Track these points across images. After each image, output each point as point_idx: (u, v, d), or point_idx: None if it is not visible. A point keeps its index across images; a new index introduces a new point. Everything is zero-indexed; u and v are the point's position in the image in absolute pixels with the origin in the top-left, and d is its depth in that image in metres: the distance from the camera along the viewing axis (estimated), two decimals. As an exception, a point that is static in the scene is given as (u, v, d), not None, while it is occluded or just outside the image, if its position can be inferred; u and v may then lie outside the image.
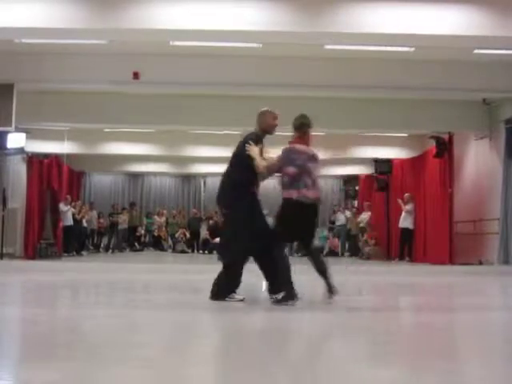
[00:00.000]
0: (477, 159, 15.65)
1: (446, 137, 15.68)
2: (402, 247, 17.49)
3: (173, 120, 15.03)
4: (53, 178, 18.22)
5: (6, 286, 9.41)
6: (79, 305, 7.17)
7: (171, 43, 11.23)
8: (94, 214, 21.58)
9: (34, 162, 17.67)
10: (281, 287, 6.21)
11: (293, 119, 6.68)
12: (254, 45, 11.40)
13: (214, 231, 22.59)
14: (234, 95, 14.09)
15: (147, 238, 23.86)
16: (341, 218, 21.57)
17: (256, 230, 6.49)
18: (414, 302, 7.82)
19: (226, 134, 18.09)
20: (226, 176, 6.95)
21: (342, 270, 14.19)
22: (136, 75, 12.41)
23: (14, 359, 3.75)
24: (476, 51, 11.65)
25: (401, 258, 17.28)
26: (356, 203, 22.95)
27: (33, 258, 16.24)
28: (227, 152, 21.21)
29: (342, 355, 3.89)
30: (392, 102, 14.40)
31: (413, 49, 11.55)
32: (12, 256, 16.15)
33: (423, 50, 11.68)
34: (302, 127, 6.58)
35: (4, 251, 15.27)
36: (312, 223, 6.54)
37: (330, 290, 6.22)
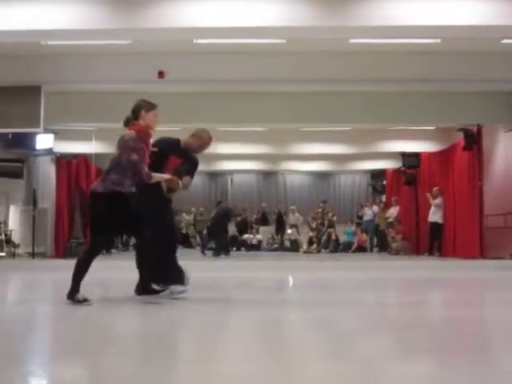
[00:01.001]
0: (506, 152, 15.43)
1: (474, 129, 15.48)
2: (432, 242, 17.34)
3: (198, 118, 15.02)
4: (81, 178, 18.38)
5: (38, 284, 9.54)
6: (107, 302, 7.21)
7: (195, 41, 11.26)
8: (123, 212, 21.70)
9: (63, 162, 17.85)
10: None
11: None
12: (278, 41, 11.36)
13: (241, 228, 22.66)
14: (258, 92, 14.05)
15: (176, 236, 23.88)
16: (368, 213, 21.46)
17: None
18: (447, 297, 7.74)
19: (251, 130, 18.14)
20: None
21: (371, 266, 14.21)
22: (161, 74, 12.47)
23: (45, 356, 3.79)
24: (504, 41, 11.47)
25: (430, 252, 17.14)
26: (383, 198, 22.80)
27: (63, 257, 16.42)
28: (253, 149, 21.48)
29: (378, 350, 3.87)
30: (419, 95, 14.24)
31: (439, 40, 11.43)
32: (43, 255, 16.36)
33: (449, 42, 11.55)
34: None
35: (35, 251, 15.48)
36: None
37: None
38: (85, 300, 5.96)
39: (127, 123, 6.36)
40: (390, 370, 3.31)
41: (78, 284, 6.05)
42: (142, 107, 6.34)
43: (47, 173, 17.79)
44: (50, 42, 11.37)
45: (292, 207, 22.83)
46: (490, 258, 14.42)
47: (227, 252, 17.56)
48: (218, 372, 3.22)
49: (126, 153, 6.03)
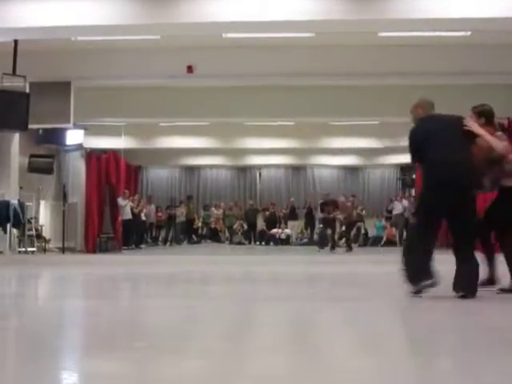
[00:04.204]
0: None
1: (505, 122, 15.26)
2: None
3: (227, 112, 15.09)
4: (111, 173, 18.51)
5: (68, 279, 9.63)
6: (139, 296, 7.28)
7: (224, 36, 11.27)
8: (152, 207, 21.87)
9: (93, 157, 18.00)
10: None
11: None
12: (307, 34, 11.32)
13: (270, 222, 22.66)
14: (287, 86, 14.03)
15: (204, 231, 24.04)
16: (398, 207, 21.28)
17: None
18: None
19: (280, 125, 18.12)
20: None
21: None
22: (190, 69, 12.50)
23: (77, 350, 3.82)
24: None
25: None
26: (413, 192, 22.59)
27: (93, 251, 16.58)
28: (281, 143, 21.46)
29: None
30: (449, 88, 14.07)
31: (469, 33, 11.30)
32: (73, 250, 16.55)
33: (480, 34, 11.40)
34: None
35: (65, 245, 15.63)
36: None
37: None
38: None
39: None
40: (420, 366, 3.28)
41: None
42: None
43: (77, 168, 17.98)
44: (79, 38, 11.48)
45: (321, 201, 22.73)
46: None
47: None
48: (246, 366, 3.23)
49: None
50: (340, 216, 17.65)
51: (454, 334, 4.32)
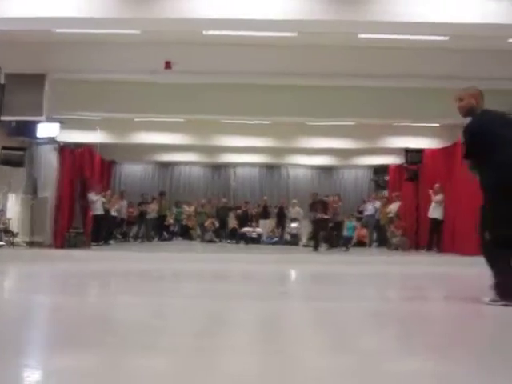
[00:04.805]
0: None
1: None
2: (431, 238, 17.40)
3: (203, 109, 15.04)
4: (85, 168, 18.34)
5: (35, 275, 9.45)
6: (108, 293, 7.22)
7: (204, 33, 11.24)
8: (124, 203, 21.71)
9: (66, 151, 17.79)
10: None
11: None
12: (288, 34, 11.34)
13: (242, 221, 22.66)
14: (264, 85, 14.04)
15: (176, 228, 23.97)
16: (370, 208, 21.43)
17: None
18: (447, 292, 7.74)
19: (256, 123, 18.13)
20: None
21: (370, 261, 14.24)
22: (168, 65, 12.45)
23: (44, 347, 3.79)
24: (510, 40, 11.49)
25: (429, 248, 17.21)
26: (386, 193, 22.80)
27: (62, 246, 16.39)
28: (257, 142, 21.46)
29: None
30: (425, 92, 14.25)
31: (447, 38, 11.44)
32: (41, 245, 16.33)
33: (457, 39, 11.56)
34: None
35: (34, 240, 15.42)
36: None
37: None
38: None
39: None
40: (389, 365, 3.32)
41: None
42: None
43: (49, 162, 17.74)
44: (57, 30, 11.34)
45: (294, 201, 22.82)
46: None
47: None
48: (217, 363, 3.23)
49: None
50: (327, 216, 17.69)
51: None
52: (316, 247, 17.00)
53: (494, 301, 5.58)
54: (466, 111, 5.89)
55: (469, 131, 5.77)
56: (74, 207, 18.16)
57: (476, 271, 8.99)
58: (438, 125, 17.67)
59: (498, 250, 5.57)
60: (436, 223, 17.16)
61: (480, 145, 5.66)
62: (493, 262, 5.63)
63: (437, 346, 3.94)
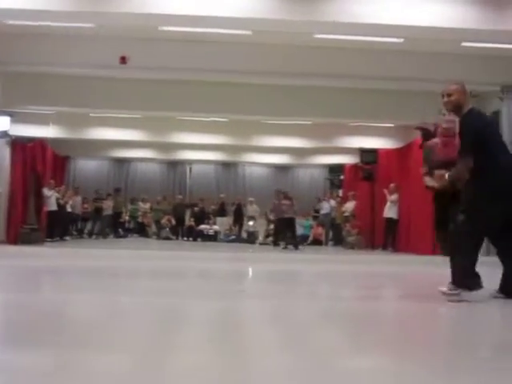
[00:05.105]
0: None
1: (431, 128, 15.67)
2: (386, 237, 17.61)
3: (160, 106, 14.96)
4: (37, 163, 18.04)
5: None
6: (63, 290, 7.13)
7: (160, 28, 11.16)
8: (79, 199, 21.43)
9: (18, 145, 17.45)
10: None
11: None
12: (244, 32, 11.33)
13: (198, 218, 22.61)
14: (222, 82, 14.03)
15: (131, 224, 23.79)
16: (325, 207, 21.58)
17: None
18: (400, 291, 7.84)
19: (212, 120, 18.09)
20: None
21: (326, 259, 14.34)
22: (123, 60, 12.31)
23: (-1, 345, 3.73)
24: (464, 44, 11.69)
25: (384, 247, 17.41)
26: (341, 192, 22.99)
27: (15, 243, 16.12)
28: (213, 139, 21.42)
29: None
30: (379, 92, 14.42)
31: (402, 40, 11.57)
32: (-7, 240, 16.04)
33: (412, 42, 11.70)
34: None
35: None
36: None
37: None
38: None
39: None
40: (340, 363, 3.34)
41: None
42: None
43: (1, 156, 17.40)
44: (10, 22, 11.11)
45: (250, 199, 22.85)
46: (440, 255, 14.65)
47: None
48: (171, 362, 3.22)
49: None
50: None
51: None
52: (277, 242, 17.10)
53: (451, 290, 5.70)
54: (454, 107, 5.93)
55: (473, 130, 5.76)
56: (28, 203, 17.86)
57: (430, 270, 9.13)
58: (392, 125, 17.88)
59: (469, 235, 5.67)
60: (391, 223, 17.36)
61: (478, 143, 5.68)
62: (458, 247, 5.73)
63: (390, 344, 3.98)
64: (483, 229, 5.79)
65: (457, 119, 6.04)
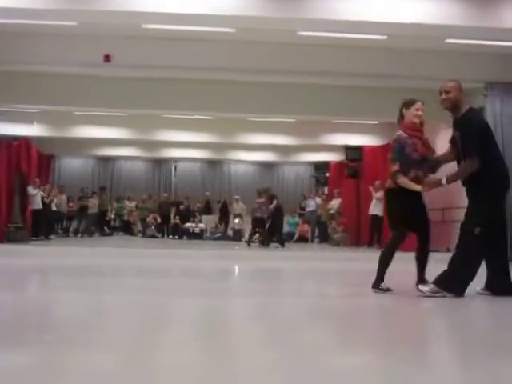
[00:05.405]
0: (445, 147, 15.72)
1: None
2: (372, 234, 17.66)
3: (144, 104, 14.91)
4: (21, 161, 17.95)
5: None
6: (48, 289, 7.12)
7: (143, 26, 11.11)
8: (64, 197, 21.36)
9: (2, 144, 17.35)
10: None
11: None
12: (227, 29, 11.31)
13: (184, 216, 22.57)
14: (206, 80, 14.00)
15: (117, 223, 23.74)
16: (311, 204, 21.64)
17: None
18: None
19: (197, 118, 18.07)
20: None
21: (311, 257, 14.38)
22: (107, 58, 12.24)
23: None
24: (447, 41, 11.72)
25: (370, 244, 17.45)
26: (326, 190, 23.05)
27: (0, 241, 16.04)
28: (198, 137, 21.41)
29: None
30: (363, 90, 14.44)
31: (385, 37, 11.59)
32: (-22, 240, 15.94)
33: (396, 39, 11.72)
34: None
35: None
36: None
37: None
38: (388, 289, 6.03)
39: (399, 123, 6.24)
40: (325, 360, 3.35)
41: (383, 274, 6.10)
42: (403, 106, 6.18)
43: (-15, 155, 17.31)
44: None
45: (236, 197, 22.82)
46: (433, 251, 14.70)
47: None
48: (157, 360, 3.22)
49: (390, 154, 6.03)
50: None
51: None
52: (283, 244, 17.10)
53: (433, 291, 5.72)
54: (451, 104, 5.96)
55: (478, 129, 5.82)
56: (13, 201, 17.77)
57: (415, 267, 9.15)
58: (376, 122, 17.92)
59: (482, 246, 5.75)
60: (377, 220, 17.40)
61: (484, 143, 5.74)
62: (467, 255, 5.79)
63: (375, 341, 4.00)
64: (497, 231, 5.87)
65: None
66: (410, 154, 6.01)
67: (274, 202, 17.29)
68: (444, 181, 5.87)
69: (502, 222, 5.99)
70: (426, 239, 6.26)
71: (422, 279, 6.12)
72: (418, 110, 6.13)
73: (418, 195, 6.09)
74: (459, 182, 5.98)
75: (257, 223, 17.47)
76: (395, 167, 5.96)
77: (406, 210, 6.07)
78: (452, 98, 5.92)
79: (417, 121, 6.13)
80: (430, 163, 6.22)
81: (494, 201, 5.83)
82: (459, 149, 5.88)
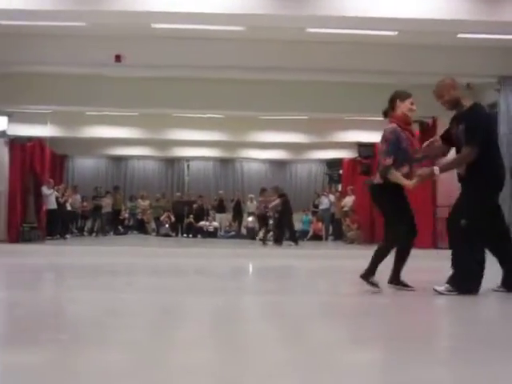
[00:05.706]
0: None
1: (429, 121, 15.67)
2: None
3: (155, 103, 14.96)
4: (35, 162, 18.07)
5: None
6: (63, 288, 7.16)
7: (153, 26, 11.14)
8: (78, 197, 21.49)
9: (17, 145, 17.48)
10: None
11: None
12: (238, 28, 11.31)
13: (198, 215, 22.60)
14: (217, 78, 14.02)
15: (131, 222, 23.83)
16: (324, 202, 21.58)
17: None
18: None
19: (209, 117, 18.09)
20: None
21: (326, 255, 14.36)
22: (118, 58, 12.29)
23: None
24: (460, 35, 11.65)
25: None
26: (340, 187, 22.98)
27: (16, 241, 16.17)
28: (210, 136, 21.44)
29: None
30: (376, 86, 14.31)
31: (396, 33, 11.54)
32: (-5, 239, 16.08)
33: (407, 35, 11.66)
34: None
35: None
36: None
37: None
38: (376, 285, 5.96)
39: (386, 115, 6.19)
40: (338, 358, 3.34)
41: (376, 268, 6.06)
42: (397, 97, 6.13)
43: (0, 156, 17.42)
44: (3, 22, 11.10)
45: (250, 195, 22.79)
46: (441, 248, 14.64)
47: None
48: (171, 358, 3.23)
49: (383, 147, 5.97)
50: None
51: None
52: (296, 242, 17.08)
53: (449, 291, 5.69)
54: (452, 104, 5.94)
55: (485, 124, 5.80)
56: (27, 201, 17.90)
57: (430, 264, 9.12)
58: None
59: (472, 239, 5.69)
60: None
61: (488, 142, 5.71)
62: (462, 251, 5.73)
63: (387, 338, 3.99)
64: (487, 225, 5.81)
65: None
66: (406, 149, 5.95)
67: (277, 200, 17.19)
68: (437, 171, 5.84)
69: (502, 221, 5.97)
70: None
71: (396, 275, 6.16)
72: (412, 104, 6.08)
73: (403, 191, 6.07)
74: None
75: (258, 220, 17.61)
76: (389, 161, 5.87)
77: (399, 203, 6.11)
78: (450, 99, 5.90)
79: (411, 115, 6.10)
80: (418, 158, 6.18)
81: (486, 201, 5.82)
82: (461, 142, 5.81)
